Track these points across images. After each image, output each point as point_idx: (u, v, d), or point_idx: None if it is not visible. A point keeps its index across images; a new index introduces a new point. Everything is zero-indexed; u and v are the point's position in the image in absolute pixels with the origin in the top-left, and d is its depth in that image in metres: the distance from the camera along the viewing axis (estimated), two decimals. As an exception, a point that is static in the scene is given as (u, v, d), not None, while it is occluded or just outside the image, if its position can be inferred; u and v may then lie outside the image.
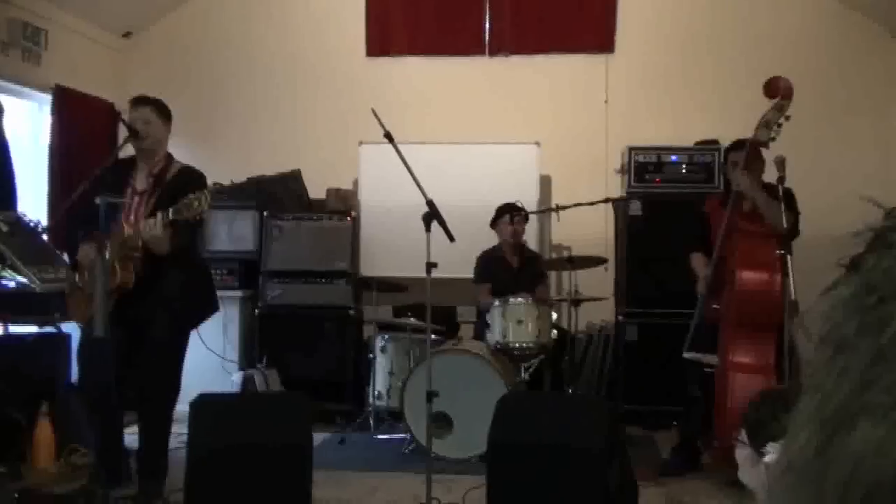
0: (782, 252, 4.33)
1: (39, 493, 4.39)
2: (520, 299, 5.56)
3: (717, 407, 4.64)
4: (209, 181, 6.93)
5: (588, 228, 6.71)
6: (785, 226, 4.36)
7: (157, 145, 4.51)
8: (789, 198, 4.63)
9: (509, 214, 6.01)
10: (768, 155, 4.73)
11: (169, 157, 4.55)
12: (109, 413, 4.31)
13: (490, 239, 6.18)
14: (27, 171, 6.38)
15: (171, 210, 4.08)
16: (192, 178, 4.48)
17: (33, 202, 6.34)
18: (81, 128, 6.61)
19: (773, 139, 4.64)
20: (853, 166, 6.82)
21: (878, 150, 6.86)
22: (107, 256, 4.12)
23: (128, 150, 4.53)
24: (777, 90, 4.64)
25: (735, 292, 4.59)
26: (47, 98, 6.47)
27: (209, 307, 4.71)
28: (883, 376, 0.37)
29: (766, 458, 1.65)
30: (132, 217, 4.36)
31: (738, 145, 4.97)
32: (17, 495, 4.28)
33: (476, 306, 6.25)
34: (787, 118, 4.63)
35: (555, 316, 5.84)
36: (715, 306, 4.79)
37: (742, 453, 1.80)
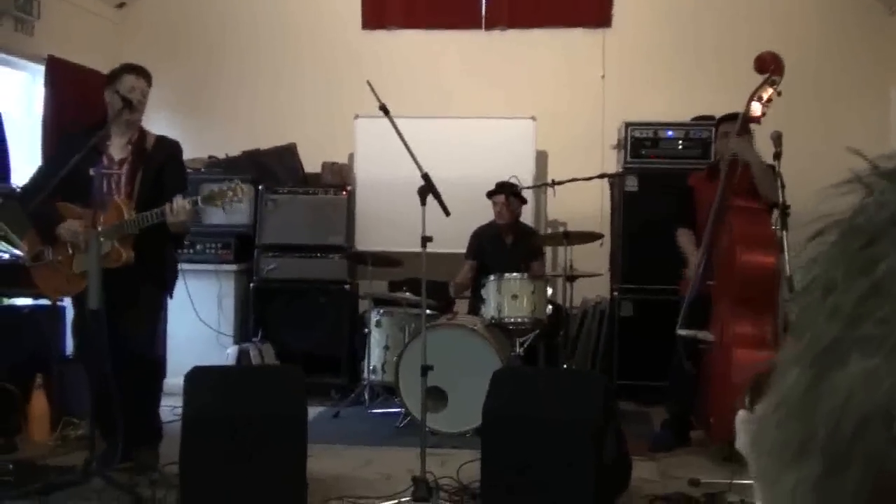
0: (779, 228, 4.32)
1: (35, 465, 4.40)
2: (515, 274, 5.57)
3: (717, 382, 4.66)
4: (204, 154, 6.95)
5: (584, 204, 6.71)
6: (781, 199, 4.35)
7: (141, 117, 4.56)
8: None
9: (495, 195, 6.03)
10: (760, 132, 4.72)
11: (141, 126, 4.58)
12: (106, 385, 4.32)
13: (485, 213, 6.18)
14: (20, 143, 6.34)
15: (200, 198, 4.17)
16: (173, 150, 4.58)
17: (27, 174, 6.30)
18: (75, 99, 6.55)
19: (765, 115, 4.62)
20: (848, 143, 6.79)
21: (874, 127, 6.84)
22: (100, 229, 4.12)
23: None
24: (767, 65, 4.62)
25: (735, 270, 4.59)
26: (40, 69, 6.41)
27: (178, 272, 4.76)
28: (876, 310, 0.37)
29: (756, 413, 1.66)
30: (115, 187, 4.36)
31: (730, 117, 4.98)
32: (12, 467, 4.30)
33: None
34: (779, 94, 4.62)
35: (550, 291, 5.84)
36: (709, 282, 4.79)
37: (740, 418, 1.80)
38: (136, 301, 4.35)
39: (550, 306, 5.73)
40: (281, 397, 4.08)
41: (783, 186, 4.34)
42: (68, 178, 4.18)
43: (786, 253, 4.18)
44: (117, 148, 4.45)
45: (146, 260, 4.32)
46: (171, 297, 4.68)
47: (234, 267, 6.60)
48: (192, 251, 6.27)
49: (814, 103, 6.78)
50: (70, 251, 4.35)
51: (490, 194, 6.10)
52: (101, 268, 4.02)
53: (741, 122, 4.71)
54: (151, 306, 4.51)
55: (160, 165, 4.36)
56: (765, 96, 4.60)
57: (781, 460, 0.39)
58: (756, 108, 4.62)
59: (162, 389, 4.67)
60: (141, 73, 4.50)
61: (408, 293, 5.77)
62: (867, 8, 6.94)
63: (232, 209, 4.39)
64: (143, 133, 4.53)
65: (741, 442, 2.02)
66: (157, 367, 4.59)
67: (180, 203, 4.09)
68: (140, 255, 4.29)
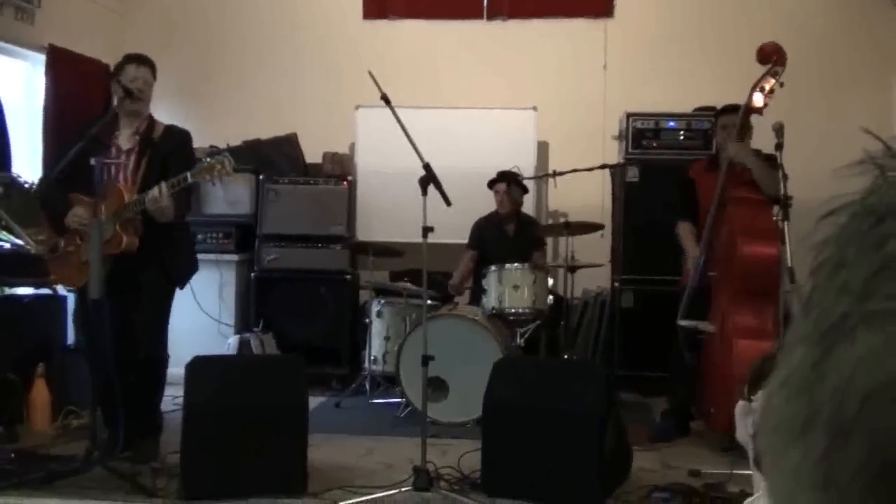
0: (780, 219, 4.32)
1: (36, 454, 4.41)
2: (516, 265, 5.56)
3: (717, 373, 4.66)
4: (205, 143, 6.94)
5: (585, 194, 6.70)
6: (782, 192, 4.33)
7: (147, 106, 4.54)
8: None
9: (496, 184, 6.03)
10: (763, 122, 4.71)
11: (150, 115, 4.56)
12: (109, 375, 4.32)
13: (486, 203, 6.17)
14: (21, 132, 6.34)
15: (189, 174, 4.08)
16: (180, 138, 4.55)
17: (27, 163, 6.30)
18: (76, 88, 6.55)
19: (767, 105, 4.61)
20: (849, 134, 6.78)
21: (877, 117, 6.82)
22: (102, 218, 4.12)
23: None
24: (769, 56, 4.61)
25: (735, 261, 4.59)
26: (41, 58, 6.40)
27: (194, 265, 4.72)
28: (884, 286, 0.37)
29: (754, 405, 1.66)
30: (121, 177, 4.36)
31: (728, 109, 4.96)
32: (13, 455, 4.31)
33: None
34: (782, 84, 4.60)
35: (551, 282, 5.84)
36: (711, 273, 4.79)
37: (739, 408, 1.80)
38: (140, 290, 4.34)
39: (551, 297, 5.72)
40: (282, 387, 4.09)
41: (785, 178, 4.33)
42: (73, 170, 4.18)
43: (787, 244, 4.18)
44: (125, 138, 4.45)
45: (152, 249, 4.31)
46: (182, 288, 4.65)
47: (235, 257, 6.61)
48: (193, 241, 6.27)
49: (817, 93, 6.76)
50: (79, 240, 4.36)
51: (491, 183, 6.10)
52: (105, 255, 4.03)
53: (740, 122, 4.70)
54: (156, 296, 4.45)
55: (166, 154, 4.35)
56: (767, 87, 4.59)
57: (787, 436, 0.39)
58: (758, 99, 4.60)
59: (165, 381, 4.61)
60: (143, 62, 4.49)
61: (409, 283, 5.77)
62: (870, -1, 6.92)
63: (223, 183, 4.32)
64: (151, 122, 4.52)
65: (741, 432, 2.02)
66: (160, 358, 4.54)
67: (155, 191, 4.08)
68: (146, 243, 4.28)
